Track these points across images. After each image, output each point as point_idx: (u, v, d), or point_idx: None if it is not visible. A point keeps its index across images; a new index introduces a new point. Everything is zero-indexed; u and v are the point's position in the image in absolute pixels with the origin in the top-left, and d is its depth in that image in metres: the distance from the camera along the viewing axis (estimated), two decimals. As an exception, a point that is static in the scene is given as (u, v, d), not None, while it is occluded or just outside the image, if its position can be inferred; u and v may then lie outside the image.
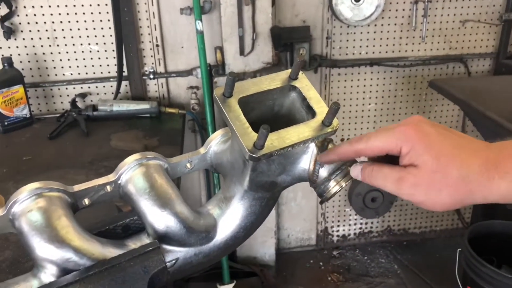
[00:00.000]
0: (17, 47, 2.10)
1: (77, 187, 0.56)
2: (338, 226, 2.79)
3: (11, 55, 2.05)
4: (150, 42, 2.19)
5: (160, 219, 0.54)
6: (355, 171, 0.57)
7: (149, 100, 2.22)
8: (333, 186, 0.57)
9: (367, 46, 2.39)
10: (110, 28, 2.11)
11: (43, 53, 2.13)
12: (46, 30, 2.10)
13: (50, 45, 2.12)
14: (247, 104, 0.55)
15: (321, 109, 0.56)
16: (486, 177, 0.50)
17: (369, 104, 2.52)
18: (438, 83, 2.18)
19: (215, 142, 0.63)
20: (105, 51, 2.17)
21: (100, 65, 2.19)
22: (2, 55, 1.99)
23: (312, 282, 2.57)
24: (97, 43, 2.15)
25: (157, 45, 2.20)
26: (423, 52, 2.44)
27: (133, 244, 0.56)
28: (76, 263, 0.50)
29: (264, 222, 0.62)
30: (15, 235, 0.51)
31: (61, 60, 2.16)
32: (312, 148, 0.58)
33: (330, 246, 2.82)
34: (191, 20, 2.14)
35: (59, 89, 2.20)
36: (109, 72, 2.20)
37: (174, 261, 0.56)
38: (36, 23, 2.08)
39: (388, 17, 2.34)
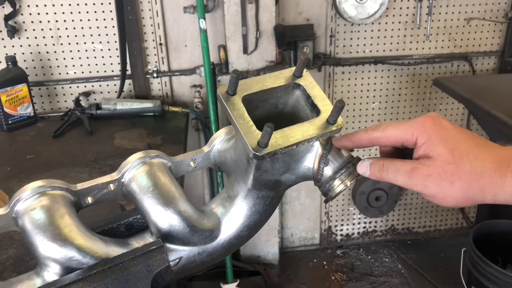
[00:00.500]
0: (21, 46, 2.10)
1: (80, 186, 0.56)
2: (342, 225, 2.79)
3: (15, 54, 2.06)
4: (153, 40, 2.19)
5: (163, 217, 0.54)
6: (363, 167, 0.56)
7: (153, 98, 2.22)
8: (337, 185, 0.56)
9: (371, 44, 2.37)
10: (113, 26, 2.11)
11: (47, 52, 2.14)
12: (50, 29, 2.10)
13: (53, 44, 2.13)
14: (251, 102, 0.55)
15: (326, 107, 0.56)
16: (499, 174, 0.50)
17: (373, 102, 2.51)
18: (442, 81, 2.16)
19: (219, 141, 0.63)
20: (109, 49, 2.17)
21: (104, 64, 2.19)
22: (6, 54, 1.99)
23: (315, 281, 2.56)
24: (100, 42, 2.15)
25: (160, 44, 2.19)
26: (427, 50, 2.42)
27: (136, 243, 0.56)
28: (79, 261, 0.50)
29: (268, 221, 0.62)
30: (20, 234, 0.51)
31: (64, 58, 2.16)
32: (317, 146, 0.57)
33: (333, 245, 2.81)
34: (194, 19, 2.14)
35: (62, 87, 2.20)
36: (112, 71, 2.21)
37: (177, 260, 0.56)
38: (40, 22, 2.08)
39: (392, 15, 2.33)
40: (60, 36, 2.12)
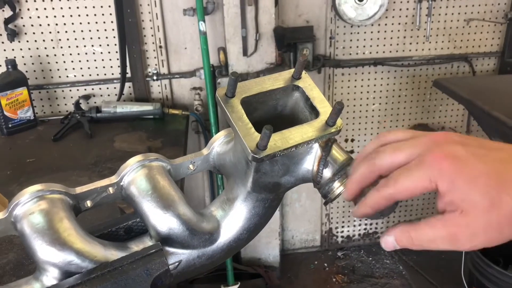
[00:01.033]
0: (21, 49, 2.10)
1: (79, 189, 0.56)
2: (343, 227, 2.78)
3: (15, 57, 2.06)
4: (153, 43, 2.19)
5: (162, 221, 0.54)
6: (389, 243, 0.48)
7: (153, 101, 2.22)
8: (337, 187, 0.56)
9: (370, 46, 2.38)
10: (113, 29, 2.12)
11: (47, 55, 2.14)
12: (50, 32, 2.10)
13: (53, 47, 2.13)
14: (250, 104, 0.55)
15: (325, 109, 0.55)
16: None
17: (373, 104, 2.51)
18: (442, 82, 2.16)
19: (218, 143, 0.62)
20: (109, 52, 2.17)
21: (104, 67, 2.19)
22: (6, 58, 2.00)
23: (316, 283, 2.56)
24: (100, 45, 2.15)
25: (160, 46, 2.20)
26: (427, 52, 2.42)
27: (136, 246, 0.55)
28: (78, 265, 0.50)
29: (268, 223, 0.62)
30: (19, 238, 0.51)
31: (64, 62, 2.16)
32: (316, 148, 0.57)
33: (334, 247, 2.81)
34: (194, 21, 2.14)
35: (62, 91, 2.21)
36: (112, 74, 2.21)
37: (177, 264, 0.55)
38: (40, 25, 2.08)
39: (392, 17, 2.33)
40: (60, 40, 2.12)
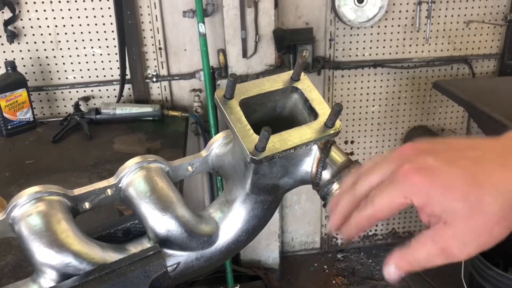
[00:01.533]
0: (20, 51, 2.10)
1: (77, 191, 0.55)
2: (343, 228, 2.78)
3: (14, 59, 2.06)
4: (153, 45, 2.19)
5: (161, 222, 0.54)
6: (392, 274, 0.47)
7: (152, 103, 2.22)
8: (336, 189, 0.56)
9: (370, 48, 2.38)
10: (113, 31, 2.12)
11: (46, 57, 2.14)
12: (49, 34, 2.10)
13: (53, 49, 2.13)
14: (249, 106, 0.55)
15: (324, 110, 0.55)
16: None
17: (373, 106, 2.51)
18: (442, 84, 2.16)
19: (217, 145, 0.62)
20: (108, 54, 2.17)
21: (103, 69, 2.19)
22: (6, 59, 1.99)
23: (316, 286, 2.55)
24: (100, 47, 2.15)
25: (160, 48, 2.20)
26: (427, 53, 2.42)
27: (134, 248, 0.55)
28: (76, 267, 0.49)
29: (268, 225, 0.61)
30: (17, 240, 0.51)
31: (64, 63, 2.16)
32: (315, 150, 0.57)
33: (334, 249, 2.80)
34: (193, 23, 2.14)
35: (62, 92, 2.21)
36: (112, 76, 2.21)
37: (175, 266, 0.55)
38: (40, 27, 2.09)
39: (391, 19, 2.33)
40: (59, 41, 2.12)
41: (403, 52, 2.41)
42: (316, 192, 0.59)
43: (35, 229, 0.49)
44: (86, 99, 2.21)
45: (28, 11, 2.05)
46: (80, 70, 2.18)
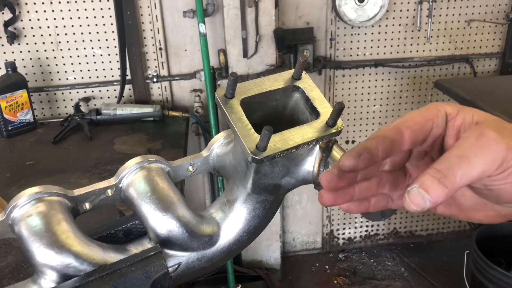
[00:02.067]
0: (20, 51, 2.10)
1: (77, 191, 0.55)
2: (344, 229, 2.77)
3: (14, 59, 2.06)
4: (153, 45, 2.19)
5: (161, 223, 0.53)
6: (418, 198, 0.37)
7: (153, 103, 2.22)
8: (338, 188, 0.55)
9: (371, 47, 2.37)
10: (113, 32, 2.11)
11: (47, 58, 2.14)
12: (50, 35, 2.10)
13: (53, 50, 2.13)
14: (250, 105, 0.54)
15: (325, 109, 0.55)
16: None
17: (374, 105, 2.51)
18: (443, 83, 2.16)
19: (218, 144, 0.62)
20: (109, 55, 2.17)
21: (104, 69, 2.19)
22: (6, 60, 1.99)
23: (318, 286, 2.55)
24: (100, 47, 2.15)
25: (160, 48, 2.19)
26: (428, 53, 2.42)
27: (135, 249, 0.55)
28: (76, 268, 0.49)
29: (269, 225, 0.61)
30: (17, 240, 0.50)
31: (64, 64, 2.16)
32: (316, 149, 0.56)
33: (336, 249, 2.80)
34: (194, 23, 2.14)
35: (62, 93, 2.20)
36: (112, 76, 2.20)
37: (176, 266, 0.55)
38: (40, 27, 2.08)
39: (392, 18, 2.32)
40: (59, 42, 2.12)
41: (404, 52, 2.40)
42: (317, 192, 0.58)
43: (35, 230, 0.49)
44: (87, 99, 2.21)
45: (28, 12, 2.05)
46: (81, 70, 2.18)
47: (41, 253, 0.48)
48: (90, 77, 2.20)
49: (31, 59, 2.12)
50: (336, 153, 0.57)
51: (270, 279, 2.45)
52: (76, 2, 2.06)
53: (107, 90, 2.23)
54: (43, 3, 2.05)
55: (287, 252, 2.76)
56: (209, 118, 2.14)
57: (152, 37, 2.17)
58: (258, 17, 2.08)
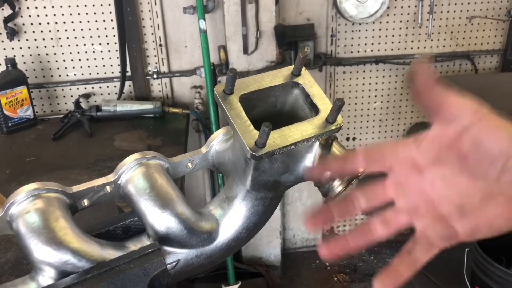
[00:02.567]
0: (20, 48, 2.10)
1: (75, 188, 0.55)
2: (344, 226, 2.77)
3: (14, 56, 2.05)
4: (153, 41, 2.18)
5: (160, 220, 0.53)
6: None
7: (153, 100, 2.21)
8: (337, 186, 0.55)
9: (372, 44, 2.36)
10: (113, 28, 2.11)
11: (47, 54, 2.13)
12: (50, 31, 2.10)
13: (53, 46, 2.12)
14: (249, 102, 0.54)
15: (325, 106, 0.55)
16: None
17: (375, 102, 2.50)
18: (444, 80, 2.15)
19: (217, 141, 0.62)
20: (109, 51, 2.16)
21: (104, 66, 2.19)
22: (6, 56, 1.99)
23: (318, 283, 2.55)
24: (100, 44, 2.14)
25: (160, 45, 2.19)
26: (429, 49, 2.41)
27: (133, 245, 0.55)
28: (74, 265, 0.49)
29: (269, 222, 0.61)
30: (15, 237, 0.50)
31: (64, 60, 2.15)
32: (316, 146, 0.56)
33: (336, 246, 2.80)
34: (194, 19, 2.13)
35: (62, 89, 2.20)
36: (112, 73, 2.20)
37: (175, 263, 0.55)
38: (40, 24, 2.08)
39: (393, 14, 2.31)
40: (59, 38, 2.11)
41: (405, 48, 2.39)
42: (317, 189, 0.58)
43: (33, 227, 0.49)
44: (87, 96, 2.20)
45: (28, 8, 2.04)
46: (81, 67, 2.17)
47: (39, 250, 0.48)
48: (90, 74, 2.19)
49: (31, 55, 2.12)
50: (336, 149, 0.56)
51: (270, 276, 2.45)
52: (76, -2, 2.06)
53: (107, 87, 2.23)
54: (43, -1, 2.04)
55: (288, 249, 2.76)
56: (210, 115, 2.14)
57: (152, 34, 2.17)
58: (258, 13, 2.07)
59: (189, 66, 2.26)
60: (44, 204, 0.51)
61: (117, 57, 2.14)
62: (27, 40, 2.09)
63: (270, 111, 0.57)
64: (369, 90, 2.47)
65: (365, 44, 2.36)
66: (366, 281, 2.55)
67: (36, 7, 2.05)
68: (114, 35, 2.12)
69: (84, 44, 2.14)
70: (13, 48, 2.09)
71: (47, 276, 0.49)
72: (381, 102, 2.50)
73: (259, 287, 2.42)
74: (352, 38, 2.34)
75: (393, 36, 2.36)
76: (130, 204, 0.56)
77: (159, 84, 2.26)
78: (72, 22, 2.09)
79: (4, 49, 2.08)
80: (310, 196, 2.63)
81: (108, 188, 0.56)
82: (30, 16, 2.06)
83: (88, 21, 2.10)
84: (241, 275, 2.40)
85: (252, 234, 0.59)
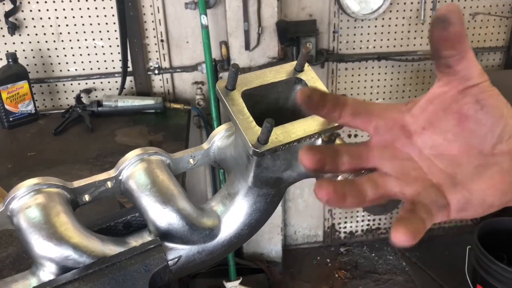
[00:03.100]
0: (21, 42, 2.09)
1: (77, 183, 0.55)
2: (346, 222, 2.77)
3: (15, 51, 2.05)
4: (154, 37, 2.17)
5: (162, 215, 0.53)
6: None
7: (154, 95, 2.21)
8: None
9: (374, 40, 2.35)
10: (114, 23, 2.10)
11: (48, 49, 2.13)
12: (51, 26, 2.09)
13: (54, 41, 2.12)
14: (251, 98, 0.53)
15: (328, 102, 0.54)
16: None
17: (377, 99, 2.49)
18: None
19: (219, 137, 0.61)
20: (110, 46, 2.15)
21: (105, 61, 2.18)
22: (7, 51, 1.99)
23: (319, 279, 2.55)
24: (101, 39, 2.14)
25: (161, 40, 2.18)
26: (431, 46, 2.40)
27: (134, 241, 0.54)
28: (75, 260, 0.49)
29: (271, 218, 0.61)
30: (16, 232, 0.50)
31: (65, 55, 2.15)
32: (319, 143, 0.56)
33: (337, 242, 2.80)
34: (196, 15, 2.12)
35: (64, 84, 2.20)
36: (113, 68, 2.19)
37: (176, 259, 0.54)
38: (41, 18, 2.07)
39: (396, 11, 2.30)
40: (60, 33, 2.11)
41: (407, 45, 2.38)
42: (319, 186, 0.57)
43: (33, 222, 0.49)
44: (88, 91, 2.20)
45: (29, 2, 2.04)
46: (82, 62, 2.17)
47: (40, 245, 0.48)
48: (91, 69, 2.19)
49: (32, 50, 2.11)
50: None
51: (271, 272, 2.46)
52: (77, -8, 2.05)
53: (109, 82, 2.22)
54: (44, -7, 2.03)
55: (289, 245, 2.76)
56: (211, 111, 2.13)
57: (153, 29, 2.16)
58: (260, 9, 2.06)
59: (190, 61, 2.25)
60: (45, 199, 0.50)
61: (118, 52, 2.14)
62: (28, 34, 2.09)
63: (272, 107, 0.57)
64: (371, 86, 2.46)
65: (368, 41, 2.35)
66: (367, 277, 2.55)
67: (37, 2, 2.04)
68: (115, 30, 2.11)
69: (85, 39, 2.13)
70: (14, 43, 2.08)
71: (48, 271, 0.49)
72: (383, 99, 2.49)
73: (260, 283, 2.42)
74: (355, 35, 2.33)
75: (395, 32, 2.35)
76: (131, 199, 0.56)
77: (160, 80, 2.25)
78: (73, 17, 2.09)
79: (5, 43, 2.07)
80: (312, 193, 2.61)
81: (109, 184, 0.56)
82: (31, 10, 2.05)
83: (89, 16, 2.09)
84: (242, 271, 2.40)
85: (254, 231, 0.59)
